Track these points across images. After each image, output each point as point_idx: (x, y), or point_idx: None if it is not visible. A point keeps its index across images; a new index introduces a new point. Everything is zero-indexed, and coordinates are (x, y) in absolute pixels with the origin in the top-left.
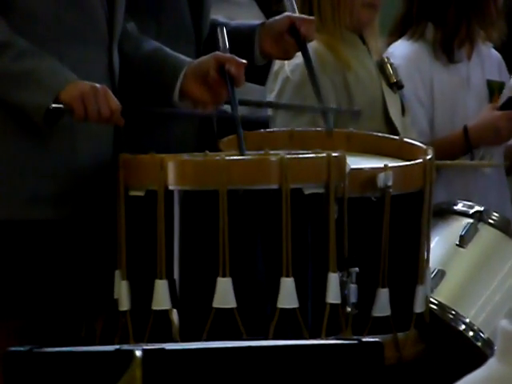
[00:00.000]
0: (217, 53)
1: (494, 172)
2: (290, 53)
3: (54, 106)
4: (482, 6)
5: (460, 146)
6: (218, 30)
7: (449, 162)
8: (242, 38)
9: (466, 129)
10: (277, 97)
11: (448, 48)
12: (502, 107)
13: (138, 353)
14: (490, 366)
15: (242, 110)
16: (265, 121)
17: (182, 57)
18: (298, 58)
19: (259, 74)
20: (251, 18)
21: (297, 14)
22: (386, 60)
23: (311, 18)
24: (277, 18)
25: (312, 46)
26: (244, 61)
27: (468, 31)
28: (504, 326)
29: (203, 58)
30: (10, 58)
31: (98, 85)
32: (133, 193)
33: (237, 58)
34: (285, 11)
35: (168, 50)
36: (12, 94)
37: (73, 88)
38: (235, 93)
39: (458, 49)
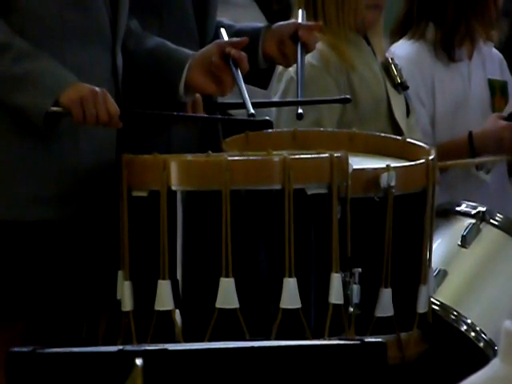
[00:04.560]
0: (218, 40)
1: (496, 177)
2: (289, 59)
3: (52, 109)
4: (481, 4)
5: (464, 152)
6: (220, 31)
7: (449, 162)
8: None
9: (470, 135)
10: (281, 97)
11: (448, 46)
12: (509, 118)
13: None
14: (494, 366)
15: (245, 112)
16: (268, 121)
17: (186, 50)
18: (305, 58)
19: (262, 77)
20: (252, 18)
21: (304, 22)
22: (390, 61)
23: (316, 25)
24: (284, 22)
25: (317, 46)
26: (245, 38)
27: (467, 29)
28: (507, 327)
29: (205, 47)
30: (10, 59)
31: (97, 88)
32: (136, 193)
33: (237, 38)
34: (285, 9)
35: (171, 44)
36: (12, 97)
37: (72, 91)
38: (240, 76)
39: (458, 47)
